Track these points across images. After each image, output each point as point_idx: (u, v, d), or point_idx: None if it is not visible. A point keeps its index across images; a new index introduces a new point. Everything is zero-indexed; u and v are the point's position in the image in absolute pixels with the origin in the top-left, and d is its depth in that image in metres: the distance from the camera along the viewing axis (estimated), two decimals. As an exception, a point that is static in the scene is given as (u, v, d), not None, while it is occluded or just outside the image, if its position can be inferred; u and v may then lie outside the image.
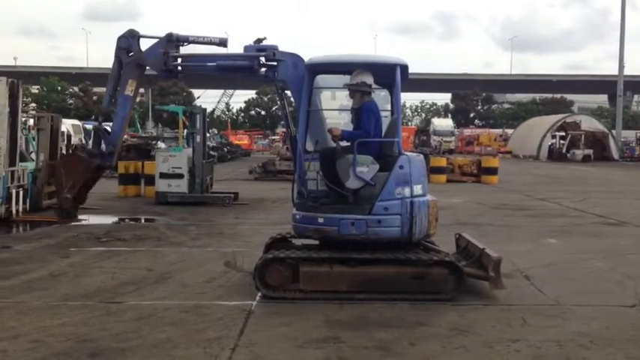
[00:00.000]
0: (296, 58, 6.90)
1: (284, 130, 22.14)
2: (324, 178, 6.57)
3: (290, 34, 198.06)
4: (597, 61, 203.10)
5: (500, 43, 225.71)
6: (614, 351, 4.98)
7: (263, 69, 6.89)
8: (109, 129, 7.48)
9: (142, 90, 43.61)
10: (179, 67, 7.05)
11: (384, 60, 6.94)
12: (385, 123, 6.93)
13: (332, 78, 7.07)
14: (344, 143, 6.52)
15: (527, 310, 6.02)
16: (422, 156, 6.91)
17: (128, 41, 7.00)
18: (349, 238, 6.30)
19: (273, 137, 67.14)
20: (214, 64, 7.03)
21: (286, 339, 5.14)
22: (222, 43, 7.06)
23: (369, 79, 6.65)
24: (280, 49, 6.99)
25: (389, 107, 7.18)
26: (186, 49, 7.33)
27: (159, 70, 7.26)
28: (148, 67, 7.51)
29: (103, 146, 7.43)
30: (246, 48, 7.03)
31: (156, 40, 7.18)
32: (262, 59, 6.80)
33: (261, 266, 6.30)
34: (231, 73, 7.52)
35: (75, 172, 7.01)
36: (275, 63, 6.82)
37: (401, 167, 6.35)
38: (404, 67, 6.65)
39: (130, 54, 7.01)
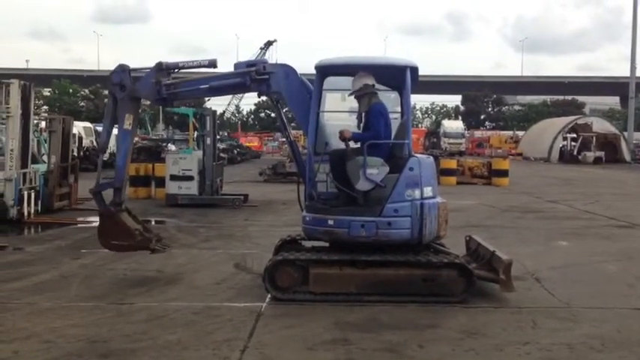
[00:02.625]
0: (287, 68, 6.92)
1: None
2: (334, 180, 6.58)
3: (299, 36, 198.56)
4: (610, 62, 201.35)
5: (512, 44, 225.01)
6: (626, 354, 4.95)
7: (255, 84, 6.90)
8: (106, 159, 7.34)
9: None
10: (172, 95, 7.08)
11: (394, 62, 6.94)
12: (395, 125, 6.93)
13: (338, 80, 7.07)
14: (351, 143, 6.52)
15: (537, 313, 5.99)
16: (432, 158, 6.90)
17: (119, 76, 6.99)
18: (359, 240, 6.29)
19: (283, 139, 67.13)
20: (207, 85, 7.07)
21: (296, 341, 5.14)
22: (212, 64, 7.07)
23: (370, 80, 6.65)
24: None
25: (399, 109, 7.17)
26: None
27: (153, 100, 7.34)
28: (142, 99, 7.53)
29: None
30: (236, 65, 7.06)
31: (146, 71, 7.18)
32: (253, 74, 6.81)
33: (270, 268, 6.31)
34: (225, 92, 7.58)
35: (116, 231, 6.99)
36: (267, 76, 6.83)
37: (411, 169, 6.34)
38: (414, 69, 6.64)
39: (123, 88, 7.01)
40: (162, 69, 7.02)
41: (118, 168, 7.07)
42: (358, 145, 6.52)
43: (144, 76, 7.10)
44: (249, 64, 7.01)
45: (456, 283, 6.26)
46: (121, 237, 6.95)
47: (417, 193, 6.32)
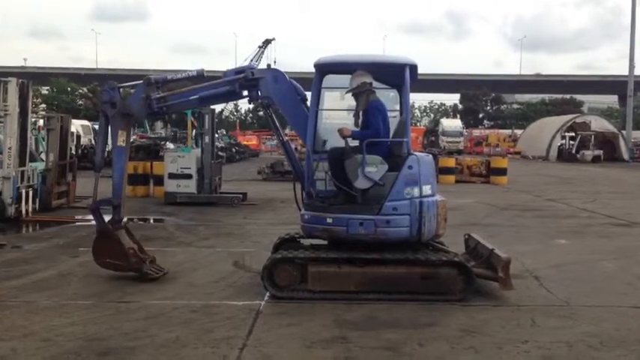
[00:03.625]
0: (275, 73, 6.93)
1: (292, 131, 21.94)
2: (332, 178, 6.57)
3: (298, 35, 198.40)
4: (609, 61, 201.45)
5: (511, 42, 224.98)
6: (625, 352, 4.95)
7: (245, 90, 6.89)
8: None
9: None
10: (164, 108, 7.08)
11: (393, 60, 6.93)
12: (394, 123, 6.92)
13: (337, 78, 7.05)
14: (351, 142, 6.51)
15: (536, 311, 5.99)
16: (431, 156, 6.90)
17: (109, 94, 6.98)
18: (358, 238, 6.29)
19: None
20: (197, 96, 7.06)
21: (294, 339, 5.14)
22: (200, 74, 7.08)
23: (368, 78, 6.64)
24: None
25: (398, 107, 7.16)
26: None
27: (145, 114, 7.36)
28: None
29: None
30: (225, 73, 7.06)
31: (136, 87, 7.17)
32: (242, 81, 6.80)
33: (269, 266, 6.30)
34: (216, 101, 7.60)
35: (112, 249, 6.97)
36: (256, 82, 6.82)
37: (410, 167, 6.34)
38: (413, 67, 6.64)
39: (114, 106, 7.00)
40: (151, 83, 7.02)
41: (115, 184, 7.05)
42: (357, 143, 6.52)
43: (133, 92, 7.12)
44: (238, 71, 7.02)
45: (454, 281, 6.26)
46: (115, 256, 6.94)
47: (415, 192, 6.32)
